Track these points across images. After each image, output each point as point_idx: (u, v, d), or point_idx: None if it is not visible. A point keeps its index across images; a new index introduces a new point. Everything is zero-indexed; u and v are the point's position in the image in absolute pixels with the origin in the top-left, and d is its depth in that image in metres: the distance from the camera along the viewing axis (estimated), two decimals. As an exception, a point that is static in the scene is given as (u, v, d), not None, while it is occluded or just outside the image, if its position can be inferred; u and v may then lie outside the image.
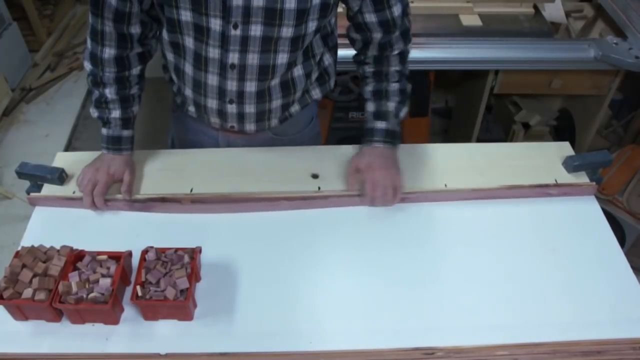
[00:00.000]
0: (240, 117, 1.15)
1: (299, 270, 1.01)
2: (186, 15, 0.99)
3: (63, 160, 1.19)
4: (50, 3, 3.39)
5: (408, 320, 0.93)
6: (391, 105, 1.14)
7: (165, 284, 0.88)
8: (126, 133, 1.15)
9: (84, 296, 0.87)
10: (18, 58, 3.00)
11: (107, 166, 1.11)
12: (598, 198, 1.15)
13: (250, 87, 1.09)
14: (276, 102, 1.15)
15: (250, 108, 1.13)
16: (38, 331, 0.91)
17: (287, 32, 1.00)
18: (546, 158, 1.21)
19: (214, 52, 1.03)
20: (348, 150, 1.24)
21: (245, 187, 1.13)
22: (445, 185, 1.14)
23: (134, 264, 0.97)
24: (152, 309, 0.90)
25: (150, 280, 0.89)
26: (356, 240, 1.06)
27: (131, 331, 0.91)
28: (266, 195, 1.11)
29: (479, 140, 2.16)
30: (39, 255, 0.93)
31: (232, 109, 1.13)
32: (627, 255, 1.03)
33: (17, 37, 2.97)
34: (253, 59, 1.03)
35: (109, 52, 1.06)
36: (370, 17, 1.07)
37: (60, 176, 1.12)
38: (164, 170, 1.18)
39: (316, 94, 1.23)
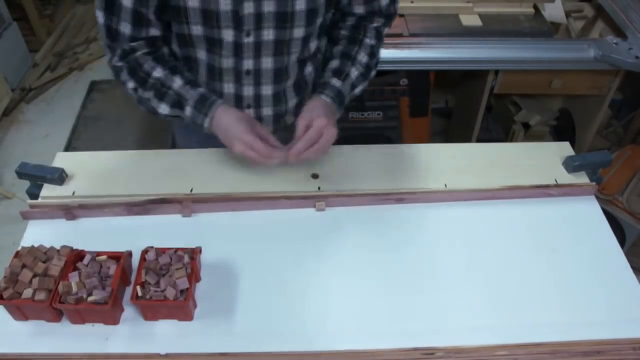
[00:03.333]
0: (258, 120, 1.15)
1: (299, 270, 1.01)
2: (197, 30, 0.99)
3: (63, 160, 1.19)
4: (50, 3, 3.40)
5: (408, 320, 0.93)
6: (353, 72, 1.10)
7: (165, 284, 0.88)
8: (201, 90, 1.04)
9: (84, 296, 0.87)
10: (18, 58, 3.00)
11: (227, 128, 1.00)
12: (598, 198, 1.15)
13: (267, 90, 1.10)
14: (292, 102, 1.17)
15: (267, 111, 1.15)
16: (38, 331, 0.91)
17: (298, 32, 1.00)
18: (546, 158, 1.21)
19: (227, 62, 1.04)
20: (348, 150, 1.24)
21: (245, 187, 1.13)
22: (445, 185, 1.14)
23: (134, 264, 0.97)
24: (152, 309, 0.90)
25: (150, 281, 0.89)
26: (356, 240, 1.06)
27: (131, 331, 0.91)
28: (266, 195, 1.11)
29: (479, 140, 2.16)
30: (39, 255, 0.93)
31: (250, 113, 1.14)
32: (627, 255, 1.03)
33: (17, 37, 2.97)
34: (267, 62, 1.05)
35: (141, 52, 1.03)
36: (359, 9, 1.08)
37: (60, 176, 1.12)
38: (164, 170, 1.17)
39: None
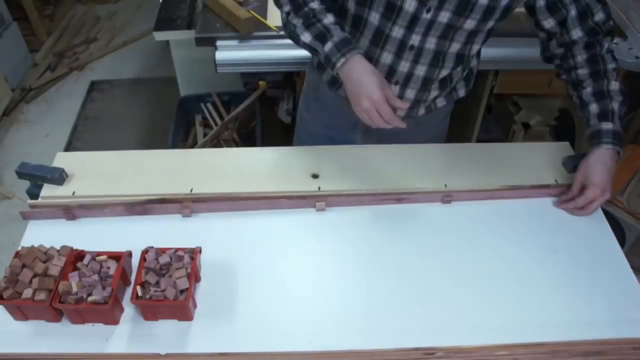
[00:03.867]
0: (399, 97, 1.15)
1: (299, 270, 1.01)
2: None
3: (63, 160, 1.19)
4: (50, 3, 3.40)
5: (408, 320, 0.93)
6: (615, 105, 1.09)
7: (165, 284, 0.88)
8: (348, 35, 1.06)
9: (84, 296, 0.87)
10: (18, 58, 3.00)
11: (359, 79, 1.01)
12: (598, 198, 1.15)
13: (420, 71, 1.12)
14: (433, 93, 1.19)
15: (411, 93, 1.17)
16: (38, 331, 0.91)
17: (469, 24, 1.03)
18: (546, 158, 1.21)
19: (397, 32, 1.06)
20: (348, 150, 1.24)
21: (245, 187, 1.13)
22: (445, 185, 1.14)
23: (134, 264, 0.97)
24: (152, 309, 0.90)
25: (150, 281, 0.89)
26: (356, 240, 1.06)
27: (131, 331, 0.91)
28: (266, 195, 1.11)
29: (479, 140, 2.15)
30: (39, 255, 0.93)
31: (394, 90, 1.15)
32: (627, 255, 1.03)
33: (17, 37, 2.97)
34: (431, 43, 1.07)
35: None
36: (577, 33, 1.08)
37: (60, 176, 1.12)
38: (164, 170, 1.17)
39: (461, 92, 1.26)
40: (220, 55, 1.61)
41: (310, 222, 1.09)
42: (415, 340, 0.89)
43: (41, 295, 0.87)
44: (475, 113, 2.05)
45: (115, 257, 0.94)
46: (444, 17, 1.02)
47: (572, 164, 1.17)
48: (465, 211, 1.11)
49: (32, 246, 0.94)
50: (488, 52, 1.78)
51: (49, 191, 1.12)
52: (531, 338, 0.89)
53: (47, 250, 0.94)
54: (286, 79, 2.02)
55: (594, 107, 1.10)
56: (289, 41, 1.70)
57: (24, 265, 0.90)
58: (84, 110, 2.88)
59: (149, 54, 3.24)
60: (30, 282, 0.89)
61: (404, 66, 1.11)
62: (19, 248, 0.95)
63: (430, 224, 1.09)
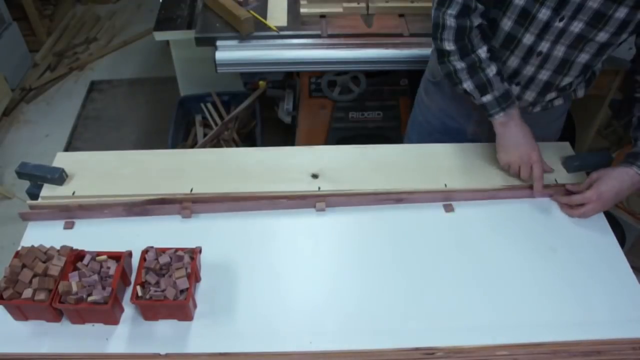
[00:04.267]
0: (517, 98, 1.17)
1: (299, 270, 1.01)
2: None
3: (63, 160, 1.19)
4: (50, 3, 3.39)
5: (408, 320, 0.93)
6: None
7: (165, 284, 0.88)
8: (507, 86, 1.13)
9: (84, 296, 0.87)
10: (18, 58, 3.00)
11: (517, 136, 1.11)
12: (598, 198, 1.15)
13: (544, 75, 1.13)
14: (551, 95, 1.19)
15: (531, 95, 1.17)
16: (38, 331, 0.91)
17: (602, 36, 1.02)
18: (546, 158, 1.21)
19: (528, 38, 1.07)
20: (348, 150, 1.24)
21: (245, 187, 1.13)
22: (445, 185, 1.14)
23: (134, 264, 0.97)
24: (152, 309, 0.90)
25: (150, 281, 0.89)
26: (356, 240, 1.06)
27: (131, 331, 0.91)
28: (266, 195, 1.11)
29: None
30: (39, 255, 0.93)
31: (514, 89, 1.17)
32: (627, 255, 1.03)
33: (17, 37, 2.97)
34: (559, 50, 1.07)
35: (477, 21, 1.10)
36: None
37: (60, 176, 1.12)
38: (164, 170, 1.17)
39: (580, 93, 1.25)
40: (220, 55, 1.61)
41: (310, 222, 1.09)
42: (415, 340, 0.89)
43: (41, 295, 0.87)
44: (475, 113, 2.05)
45: (115, 257, 0.94)
46: (577, 27, 1.02)
47: (572, 164, 1.17)
48: (465, 211, 1.11)
49: (32, 246, 0.94)
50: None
51: (48, 191, 1.12)
52: (531, 338, 0.89)
53: (47, 250, 0.94)
54: (286, 79, 2.02)
55: None
56: (289, 41, 1.70)
57: (24, 265, 0.90)
58: (84, 110, 2.88)
59: (149, 54, 3.24)
60: (30, 282, 0.88)
61: (528, 70, 1.13)
62: (19, 248, 0.95)
63: (430, 224, 1.09)
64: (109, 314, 0.89)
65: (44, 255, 0.93)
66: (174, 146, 2.13)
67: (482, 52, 1.10)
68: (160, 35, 1.89)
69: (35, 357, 0.87)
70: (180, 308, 0.89)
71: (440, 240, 1.06)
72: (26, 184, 1.16)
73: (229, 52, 1.62)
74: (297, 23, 1.69)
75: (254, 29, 1.63)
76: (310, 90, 1.83)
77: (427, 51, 1.77)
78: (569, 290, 0.97)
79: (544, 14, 1.02)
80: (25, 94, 2.95)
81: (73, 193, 1.12)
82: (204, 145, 2.14)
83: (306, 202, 1.11)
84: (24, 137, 2.72)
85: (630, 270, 1.01)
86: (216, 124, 2.23)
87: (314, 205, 1.11)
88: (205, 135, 2.22)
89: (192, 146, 2.22)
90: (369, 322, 0.92)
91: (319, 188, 1.14)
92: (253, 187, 1.13)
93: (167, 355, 0.87)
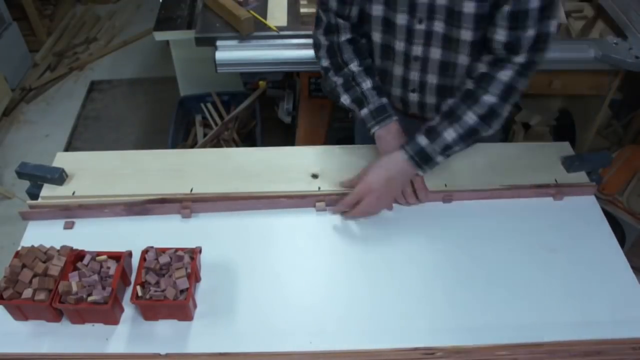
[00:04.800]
0: (422, 105, 1.20)
1: (299, 270, 1.01)
2: (378, 10, 1.07)
3: (63, 160, 1.19)
4: (50, 3, 3.39)
5: (408, 320, 0.93)
6: (449, 132, 1.03)
7: (165, 284, 0.88)
8: (384, 100, 1.13)
9: (84, 296, 0.87)
10: (18, 58, 3.00)
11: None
12: (598, 198, 1.15)
13: (432, 79, 1.13)
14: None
15: (431, 99, 1.18)
16: (38, 331, 0.91)
17: (467, 35, 1.02)
18: (546, 158, 1.21)
19: (400, 45, 1.10)
20: (348, 150, 1.24)
21: (245, 187, 1.13)
22: (445, 185, 1.14)
23: (134, 264, 0.97)
24: (152, 309, 0.90)
25: (150, 281, 0.89)
26: (356, 240, 1.06)
27: (131, 331, 0.91)
28: (266, 195, 1.11)
29: (479, 140, 2.15)
30: (39, 255, 0.93)
31: (414, 97, 1.19)
32: (627, 255, 1.03)
33: (17, 37, 2.97)
34: (435, 53, 1.08)
35: (345, 37, 1.14)
36: (500, 35, 0.98)
37: (60, 176, 1.12)
38: (164, 170, 1.17)
39: None
40: (220, 55, 1.61)
41: (310, 222, 1.09)
42: (415, 340, 0.89)
43: (41, 295, 0.87)
44: (475, 113, 2.05)
45: (115, 257, 0.94)
46: (439, 27, 1.03)
47: (572, 164, 1.17)
48: (465, 211, 1.11)
49: (32, 246, 0.94)
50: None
51: (48, 191, 1.12)
52: (531, 338, 0.89)
53: (47, 250, 0.94)
54: (286, 79, 2.02)
55: (436, 117, 1.06)
56: (289, 41, 1.70)
57: (24, 265, 0.90)
58: (84, 110, 2.88)
59: (149, 54, 3.24)
60: (30, 282, 0.88)
61: (414, 76, 1.14)
62: (19, 248, 0.95)
63: (430, 224, 1.09)
64: (109, 314, 0.89)
65: (44, 255, 0.93)
66: (174, 146, 2.13)
67: (354, 66, 1.13)
68: (160, 35, 1.89)
69: (35, 357, 0.87)
70: (180, 308, 0.89)
71: (440, 240, 1.06)
72: (26, 184, 1.16)
73: (228, 52, 1.62)
74: (297, 23, 1.69)
75: (254, 29, 1.63)
76: (310, 90, 1.83)
77: (427, 51, 1.78)
78: (568, 290, 0.97)
79: (402, 19, 1.05)
80: (25, 94, 2.95)
81: (73, 193, 1.12)
82: (204, 145, 2.14)
83: (306, 202, 1.11)
84: (24, 137, 2.72)
85: (630, 270, 1.01)
86: (216, 124, 2.23)
87: (314, 205, 1.11)
88: (205, 135, 2.22)
89: (192, 146, 2.22)
90: (369, 322, 0.92)
91: (319, 188, 1.14)
92: (253, 187, 1.13)
93: (167, 355, 0.87)
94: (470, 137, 1.05)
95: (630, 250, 1.88)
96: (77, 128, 2.78)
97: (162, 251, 0.94)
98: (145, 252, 0.94)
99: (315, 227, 1.09)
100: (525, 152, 1.24)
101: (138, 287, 0.88)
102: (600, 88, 1.91)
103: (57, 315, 0.91)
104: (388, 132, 1.11)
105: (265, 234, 1.07)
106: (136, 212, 1.10)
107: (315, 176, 1.17)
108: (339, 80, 1.15)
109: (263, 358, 0.87)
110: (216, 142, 2.18)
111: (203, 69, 2.02)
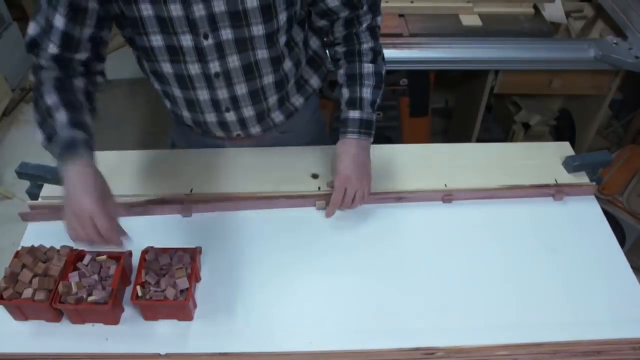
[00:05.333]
0: (242, 122, 1.14)
1: (299, 270, 1.01)
2: (157, 40, 0.96)
3: (63, 160, 1.18)
4: (50, 3, 3.39)
5: (408, 320, 0.93)
6: (366, 91, 1.07)
7: (165, 284, 0.88)
8: (75, 133, 0.88)
9: (84, 296, 0.87)
10: (18, 58, 3.00)
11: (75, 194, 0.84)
12: (598, 198, 1.15)
13: (241, 89, 1.07)
14: (272, 99, 1.13)
15: (248, 111, 1.12)
16: (38, 331, 0.91)
17: (258, 30, 0.97)
18: (546, 158, 1.21)
19: (194, 68, 1.01)
20: (348, 150, 1.24)
21: (245, 187, 1.13)
22: (445, 185, 1.14)
23: (134, 264, 0.97)
24: (152, 309, 0.90)
25: (150, 281, 0.89)
26: (356, 239, 1.06)
27: (131, 331, 0.91)
28: (266, 195, 1.11)
29: (479, 140, 2.15)
30: (39, 255, 0.93)
31: (230, 116, 1.12)
32: (627, 255, 1.03)
33: (17, 37, 2.97)
34: (234, 62, 1.01)
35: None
36: (333, 1, 1.01)
37: (60, 176, 1.12)
38: (164, 170, 1.17)
39: (315, 82, 1.21)
40: (220, 55, 1.61)
41: (310, 222, 1.09)
42: (415, 340, 0.89)
43: (41, 295, 0.87)
44: (475, 113, 2.05)
45: (115, 257, 0.94)
46: (228, 34, 0.96)
47: (572, 164, 1.17)
48: (465, 211, 1.11)
49: (32, 246, 0.94)
50: (488, 52, 1.79)
51: (49, 191, 1.12)
52: (531, 338, 0.89)
53: (47, 250, 0.94)
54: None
55: (344, 92, 1.09)
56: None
57: (24, 265, 0.90)
58: (84, 110, 2.88)
59: (149, 54, 3.24)
60: (30, 282, 0.89)
61: (222, 93, 1.06)
62: (19, 248, 0.95)
63: (430, 224, 1.09)
64: (109, 314, 0.89)
65: (44, 255, 0.93)
66: (174, 146, 2.12)
67: (49, 99, 0.91)
68: (160, 35, 1.88)
69: (35, 357, 0.87)
70: (180, 308, 0.89)
71: (440, 240, 1.06)
72: (26, 184, 1.16)
73: (229, 52, 1.62)
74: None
75: (254, 29, 1.62)
76: (310, 90, 1.82)
77: (427, 51, 1.78)
78: (568, 290, 0.97)
79: (186, 39, 0.95)
80: (25, 94, 2.95)
81: (73, 193, 1.11)
82: (204, 145, 2.14)
83: (306, 202, 1.11)
84: (24, 137, 2.72)
85: (630, 270, 1.01)
86: (216, 124, 2.23)
87: (314, 205, 1.11)
88: (205, 135, 2.22)
89: (192, 146, 2.22)
90: (368, 322, 0.92)
91: (319, 188, 1.14)
92: (253, 187, 1.13)
93: (167, 355, 0.87)
94: (380, 81, 1.10)
95: (630, 250, 1.88)
96: (77, 128, 2.77)
97: (162, 251, 0.94)
98: (145, 252, 0.94)
99: (315, 227, 1.09)
100: (525, 152, 1.24)
101: (138, 287, 0.88)
102: (600, 88, 1.91)
103: (57, 315, 0.91)
104: (78, 174, 0.86)
105: (265, 233, 1.07)
106: (136, 212, 1.10)
107: (315, 176, 1.17)
108: (37, 117, 0.92)
109: (263, 358, 0.87)
110: (216, 142, 2.17)
111: (203, 69, 2.02)
